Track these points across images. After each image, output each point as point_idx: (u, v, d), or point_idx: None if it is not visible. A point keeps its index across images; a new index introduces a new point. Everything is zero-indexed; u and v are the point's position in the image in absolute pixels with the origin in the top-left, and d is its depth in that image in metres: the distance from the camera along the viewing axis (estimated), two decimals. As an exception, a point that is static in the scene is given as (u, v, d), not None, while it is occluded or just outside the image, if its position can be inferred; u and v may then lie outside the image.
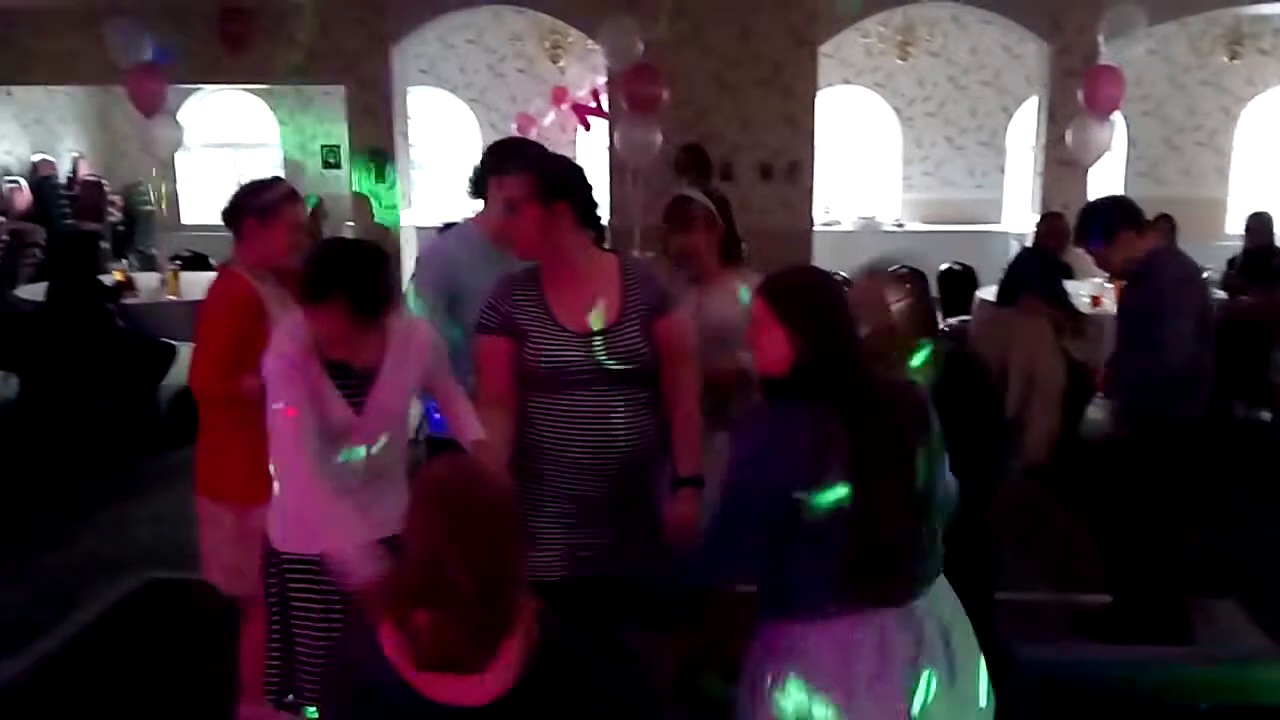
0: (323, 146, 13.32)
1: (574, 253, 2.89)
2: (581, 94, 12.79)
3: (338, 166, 12.71)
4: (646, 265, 3.30)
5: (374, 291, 2.62)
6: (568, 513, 2.91)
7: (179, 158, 11.36)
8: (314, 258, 2.67)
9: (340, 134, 11.44)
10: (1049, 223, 7.06)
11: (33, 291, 7.83)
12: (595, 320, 2.89)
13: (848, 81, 12.88)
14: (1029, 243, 7.46)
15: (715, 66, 9.47)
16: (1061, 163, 9.55)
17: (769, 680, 2.28)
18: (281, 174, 13.12)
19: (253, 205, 3.35)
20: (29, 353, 7.31)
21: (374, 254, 2.72)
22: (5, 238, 9.88)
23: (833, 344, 2.29)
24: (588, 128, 12.77)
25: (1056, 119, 9.61)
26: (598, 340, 2.87)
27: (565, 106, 13.01)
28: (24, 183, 10.72)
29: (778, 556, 2.25)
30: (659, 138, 8.40)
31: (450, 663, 1.89)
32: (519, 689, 1.91)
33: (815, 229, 10.13)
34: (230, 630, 3.55)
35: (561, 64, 12.80)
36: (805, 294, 2.35)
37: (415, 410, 3.11)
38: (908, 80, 12.88)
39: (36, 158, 11.60)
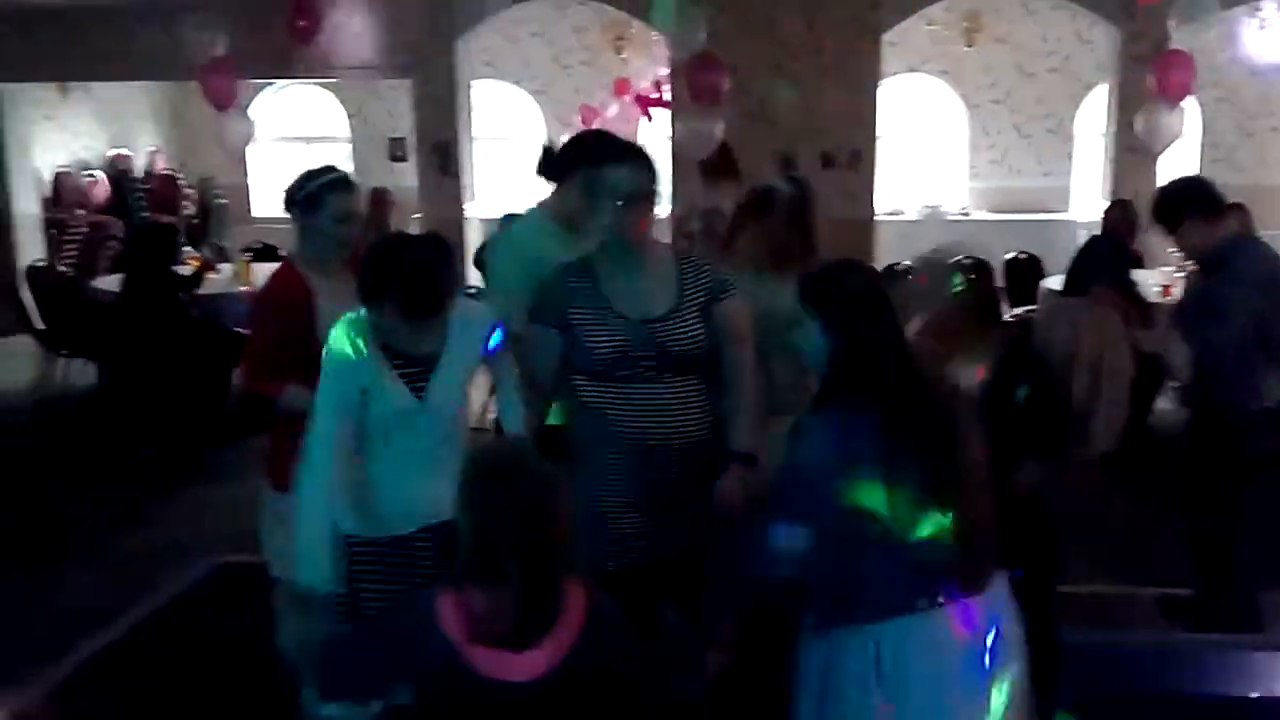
0: (390, 139, 13.47)
1: (632, 241, 2.94)
2: (644, 85, 12.81)
3: (405, 159, 12.86)
4: (701, 251, 3.31)
5: (427, 291, 2.65)
6: (627, 500, 2.94)
7: (251, 151, 11.55)
8: (368, 258, 2.71)
9: (407, 127, 11.58)
10: (1118, 211, 6.95)
11: (110, 282, 8.05)
12: (653, 308, 2.92)
13: (913, 70, 12.75)
14: (1097, 231, 7.35)
15: (778, 56, 9.43)
16: (1131, 150, 9.37)
17: (849, 683, 2.26)
18: (350, 167, 13.35)
19: (296, 196, 3.35)
20: (107, 342, 7.52)
21: (430, 251, 2.73)
22: (84, 230, 10.18)
23: (870, 339, 2.28)
24: (650, 119, 12.79)
25: (1126, 106, 9.43)
26: (656, 327, 2.90)
27: (628, 98, 13.03)
28: (102, 176, 11.00)
29: (847, 561, 2.23)
30: (721, 128, 8.39)
31: (499, 638, 1.95)
32: (565, 669, 1.96)
33: (879, 219, 10.06)
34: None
35: (624, 55, 12.83)
36: (841, 289, 2.34)
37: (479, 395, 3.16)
38: (974, 68, 12.72)
39: (114, 152, 11.87)
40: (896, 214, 12.32)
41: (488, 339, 2.88)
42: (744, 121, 8.96)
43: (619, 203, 2.91)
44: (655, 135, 12.28)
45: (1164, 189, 4.22)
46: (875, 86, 9.60)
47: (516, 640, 1.95)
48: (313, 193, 3.31)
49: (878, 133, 9.71)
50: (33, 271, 8.87)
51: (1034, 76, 12.74)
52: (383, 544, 2.83)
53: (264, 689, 3.85)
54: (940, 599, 2.23)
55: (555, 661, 1.96)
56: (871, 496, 2.16)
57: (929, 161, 13.31)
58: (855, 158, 9.61)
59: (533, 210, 3.54)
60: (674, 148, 9.38)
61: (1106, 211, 7.18)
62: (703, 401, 2.98)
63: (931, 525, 2.20)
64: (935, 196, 12.99)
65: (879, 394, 2.23)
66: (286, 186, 3.43)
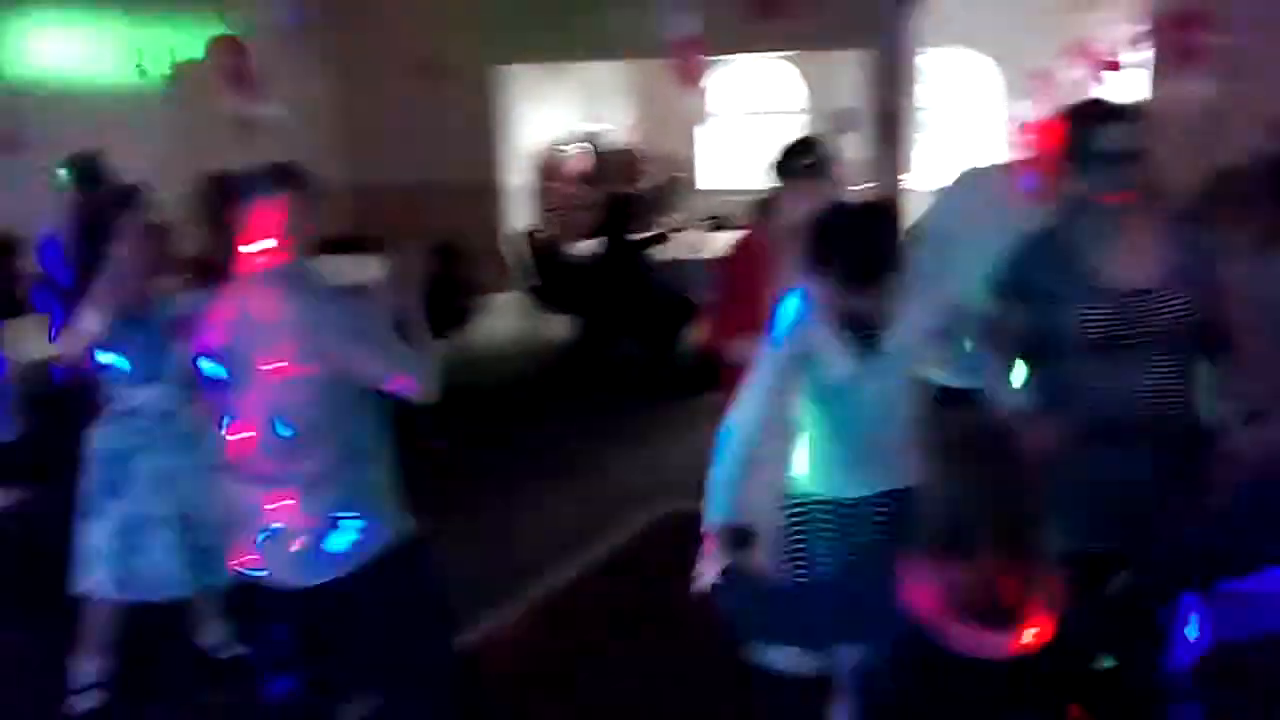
0: (842, 110, 13.59)
1: (1114, 207, 2.79)
2: (1111, 44, 12.02)
3: (855, 130, 12.93)
4: (1188, 219, 3.04)
5: (866, 259, 2.64)
6: (1106, 483, 2.77)
7: (708, 124, 12.10)
8: (812, 226, 2.76)
9: (859, 97, 11.64)
10: None
11: (585, 247, 8.87)
12: (1136, 279, 2.75)
13: None
14: None
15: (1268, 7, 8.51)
16: None
17: None
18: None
19: (782, 165, 3.53)
20: (584, 300, 8.32)
21: (872, 219, 2.75)
22: (563, 199, 11.24)
23: None
24: (1113, 82, 12.00)
25: None
26: (1138, 301, 2.74)
27: (1091, 59, 12.28)
28: (579, 150, 12.05)
29: None
30: (1205, 90, 7.72)
31: (969, 613, 1.92)
32: (1037, 651, 1.91)
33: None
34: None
35: (1094, 14, 12.07)
36: None
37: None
38: None
39: (590, 128, 12.91)
40: None
41: (937, 313, 2.84)
42: (1229, 83, 8.20)
43: (1101, 165, 2.76)
44: (1114, 99, 11.49)
45: None
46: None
47: (988, 618, 1.92)
48: (797, 162, 3.49)
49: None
50: (521, 236, 9.95)
51: None
52: (830, 505, 2.89)
53: (705, 630, 4.17)
54: None
55: (1028, 642, 1.92)
56: None
57: None
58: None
59: (986, 176, 3.46)
60: (1150, 112, 8.76)
61: None
62: (1187, 383, 2.80)
63: None
64: None
65: None
66: (777, 155, 3.60)
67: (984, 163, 3.72)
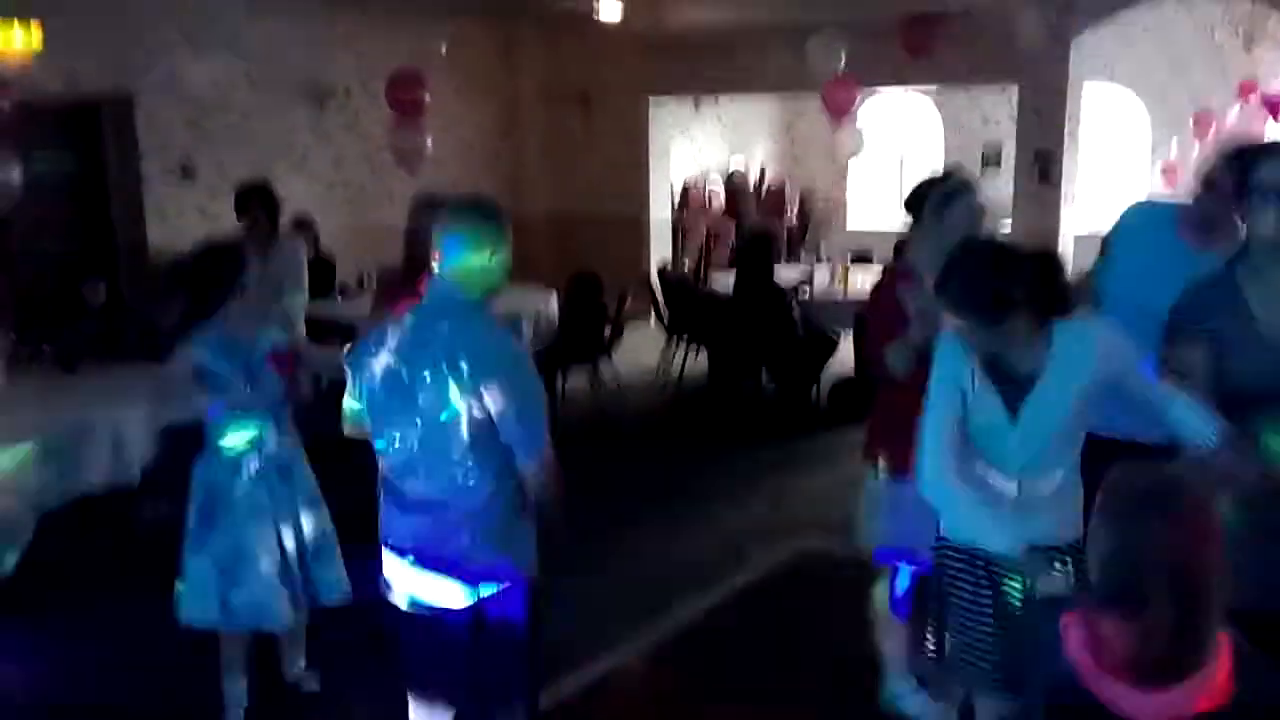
0: (987, 146, 13.38)
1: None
2: (1276, 85, 11.60)
3: (998, 165, 12.72)
4: None
5: (972, 299, 2.54)
6: (1272, 539, 2.63)
7: (856, 160, 11.96)
8: (944, 265, 2.67)
9: (1002, 133, 11.42)
10: None
11: (724, 280, 8.92)
12: None
13: None
14: None
15: None
16: None
17: None
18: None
19: (930, 196, 3.43)
20: (718, 332, 8.36)
21: (986, 260, 2.62)
22: (703, 233, 11.35)
23: None
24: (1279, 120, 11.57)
25: None
26: None
27: (1254, 99, 11.85)
28: (720, 185, 12.15)
29: None
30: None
31: (1137, 674, 1.81)
32: (1208, 717, 1.78)
33: None
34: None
35: (1256, 53, 11.65)
36: None
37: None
38: None
39: (731, 163, 13.01)
40: None
41: (1103, 360, 2.67)
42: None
43: (1272, 203, 2.60)
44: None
45: None
46: None
47: (1156, 678, 1.78)
48: (946, 195, 3.41)
49: None
50: (661, 268, 10.07)
51: None
52: (966, 553, 2.80)
53: (836, 670, 4.11)
54: None
55: (1198, 707, 1.77)
56: None
57: None
58: None
59: (1152, 216, 3.33)
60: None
61: None
62: None
63: None
64: None
65: None
66: (913, 189, 3.55)
67: (1151, 202, 3.56)
